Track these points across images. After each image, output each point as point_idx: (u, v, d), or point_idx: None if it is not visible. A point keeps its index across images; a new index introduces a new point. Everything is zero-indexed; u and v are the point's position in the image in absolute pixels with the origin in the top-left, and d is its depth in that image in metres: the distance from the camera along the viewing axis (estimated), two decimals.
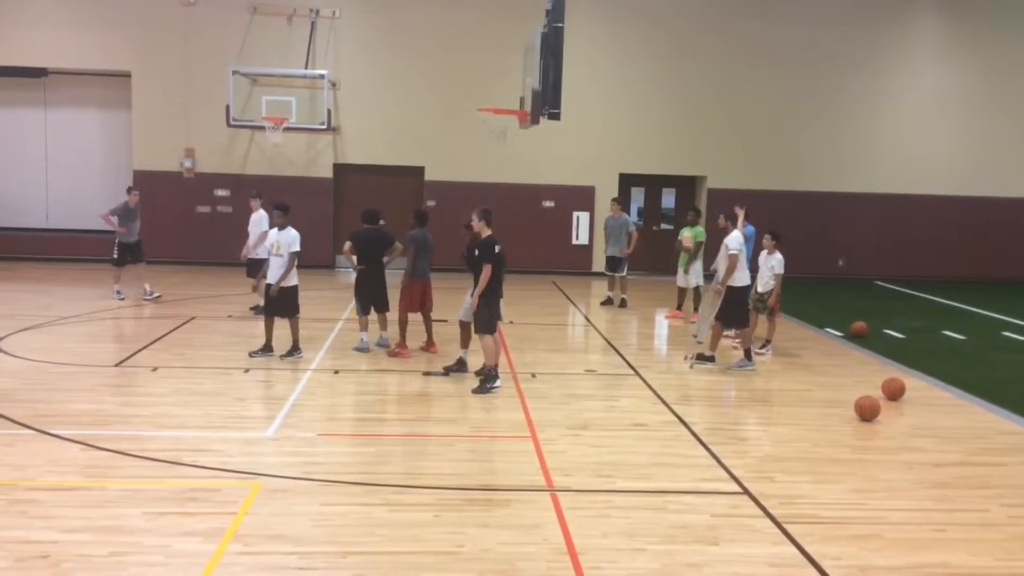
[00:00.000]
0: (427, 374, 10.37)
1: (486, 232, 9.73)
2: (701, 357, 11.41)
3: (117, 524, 5.85)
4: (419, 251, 11.05)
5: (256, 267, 13.71)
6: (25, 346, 11.06)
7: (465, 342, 10.45)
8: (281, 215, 10.91)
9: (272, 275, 10.86)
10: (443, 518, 6.19)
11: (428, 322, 11.46)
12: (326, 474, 6.97)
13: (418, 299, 11.20)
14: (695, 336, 12.34)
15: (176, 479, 6.75)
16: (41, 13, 19.12)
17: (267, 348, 10.98)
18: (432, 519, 6.16)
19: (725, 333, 11.90)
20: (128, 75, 19.49)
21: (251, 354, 10.94)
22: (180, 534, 5.74)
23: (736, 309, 11.23)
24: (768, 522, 6.35)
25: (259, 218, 13.62)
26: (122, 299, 14.59)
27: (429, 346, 11.45)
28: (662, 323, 14.94)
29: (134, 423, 8.14)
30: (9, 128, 20.01)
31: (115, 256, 14.74)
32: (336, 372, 10.37)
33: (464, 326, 10.38)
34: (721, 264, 11.32)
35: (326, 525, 6.00)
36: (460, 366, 10.40)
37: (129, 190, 15.30)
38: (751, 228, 13.15)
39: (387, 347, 11.46)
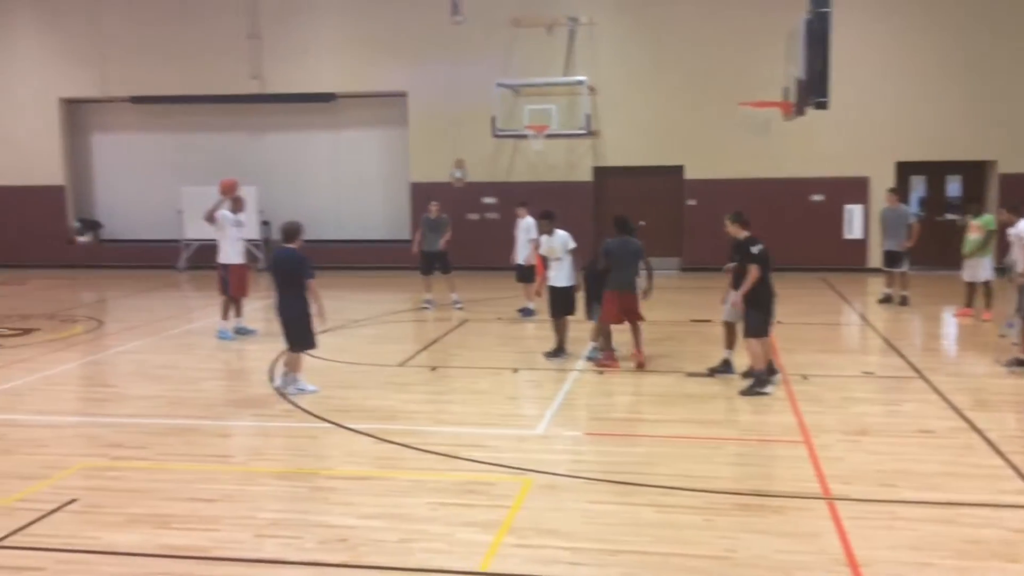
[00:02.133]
0: (691, 375, 10.26)
1: (743, 234, 9.51)
2: (1020, 362, 10.21)
3: (405, 512, 6.30)
4: (615, 261, 10.59)
5: (525, 273, 14.27)
6: (322, 347, 12.18)
7: (730, 343, 10.21)
8: (547, 223, 11.30)
9: (553, 279, 11.19)
10: (714, 522, 6.09)
11: (636, 333, 10.71)
12: (593, 472, 7.10)
13: (615, 310, 10.61)
14: (1002, 336, 11.23)
15: (455, 472, 7.16)
16: (329, 45, 21.13)
17: (560, 349, 11.20)
18: (702, 522, 6.09)
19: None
20: (404, 95, 20.99)
21: (546, 355, 11.20)
22: (461, 524, 6.08)
23: None
24: None
25: (527, 225, 14.13)
26: (426, 308, 15.00)
27: (634, 356, 10.69)
28: (950, 322, 13.79)
29: (417, 419, 8.76)
30: (304, 149, 22.25)
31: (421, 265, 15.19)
32: (601, 372, 10.52)
33: (728, 327, 10.15)
34: (1019, 255, 10.20)
35: (595, 522, 6.12)
36: (725, 367, 10.18)
37: (431, 201, 15.73)
38: None
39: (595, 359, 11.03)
